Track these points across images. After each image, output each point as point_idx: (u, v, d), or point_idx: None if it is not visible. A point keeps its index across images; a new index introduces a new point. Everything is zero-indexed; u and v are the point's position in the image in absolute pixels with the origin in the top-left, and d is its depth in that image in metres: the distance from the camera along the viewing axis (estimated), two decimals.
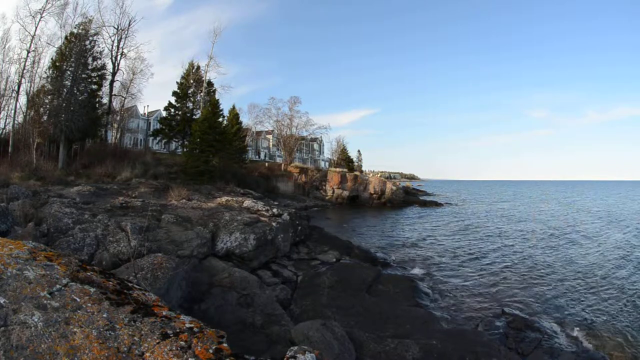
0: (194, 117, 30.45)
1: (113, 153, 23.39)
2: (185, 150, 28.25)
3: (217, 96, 31.87)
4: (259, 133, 56.17)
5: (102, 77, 25.64)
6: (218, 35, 31.41)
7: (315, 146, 69.53)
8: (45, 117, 21.23)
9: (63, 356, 2.06)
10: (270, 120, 44.73)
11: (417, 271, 11.89)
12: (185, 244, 8.44)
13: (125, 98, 30.57)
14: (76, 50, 21.52)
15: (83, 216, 8.82)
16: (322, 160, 68.92)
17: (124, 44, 27.79)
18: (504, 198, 57.20)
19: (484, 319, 8.02)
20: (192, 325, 2.52)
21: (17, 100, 22.94)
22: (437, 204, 39.87)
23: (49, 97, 21.57)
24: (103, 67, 25.76)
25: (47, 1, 22.48)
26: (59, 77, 21.15)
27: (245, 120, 43.95)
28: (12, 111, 22.80)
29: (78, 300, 2.51)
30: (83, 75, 22.61)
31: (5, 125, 23.80)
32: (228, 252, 9.20)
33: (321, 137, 60.41)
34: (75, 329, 2.24)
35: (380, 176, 52.58)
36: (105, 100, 27.17)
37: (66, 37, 22.51)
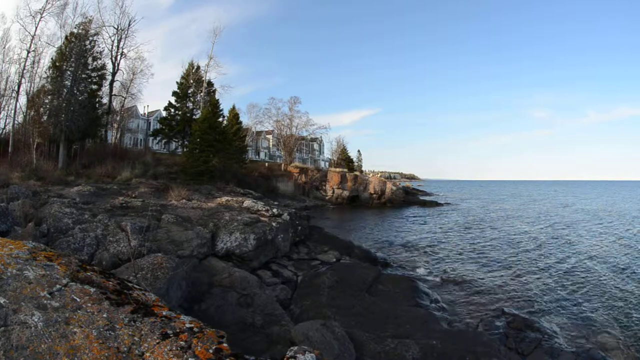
0: (194, 117, 30.49)
1: (113, 153, 23.39)
2: (185, 150, 28.26)
3: (217, 96, 31.97)
4: (259, 133, 56.16)
5: (102, 77, 25.65)
6: (218, 35, 31.52)
7: (315, 146, 69.52)
8: (45, 117, 21.23)
9: (63, 356, 2.06)
10: (270, 120, 44.79)
11: (417, 271, 11.89)
12: (185, 244, 8.44)
13: (125, 98, 30.63)
14: (76, 50, 21.53)
15: (83, 216, 8.82)
16: (322, 160, 68.90)
17: (124, 44, 27.86)
18: (503, 198, 57.19)
19: (484, 319, 8.01)
20: (192, 325, 2.52)
21: (17, 100, 22.95)
22: (437, 204, 39.92)
23: (49, 97, 21.57)
24: (103, 67, 25.78)
25: (47, 1, 22.48)
26: (59, 77, 21.15)
27: (245, 120, 44.02)
28: (12, 111, 22.80)
29: (78, 300, 2.52)
30: (83, 75, 22.62)
31: (5, 125, 23.82)
32: (228, 252, 9.20)
33: (321, 137, 60.41)
34: (75, 329, 2.24)
35: (381, 176, 52.62)
36: (105, 100, 27.19)
37: (66, 37, 22.50)
